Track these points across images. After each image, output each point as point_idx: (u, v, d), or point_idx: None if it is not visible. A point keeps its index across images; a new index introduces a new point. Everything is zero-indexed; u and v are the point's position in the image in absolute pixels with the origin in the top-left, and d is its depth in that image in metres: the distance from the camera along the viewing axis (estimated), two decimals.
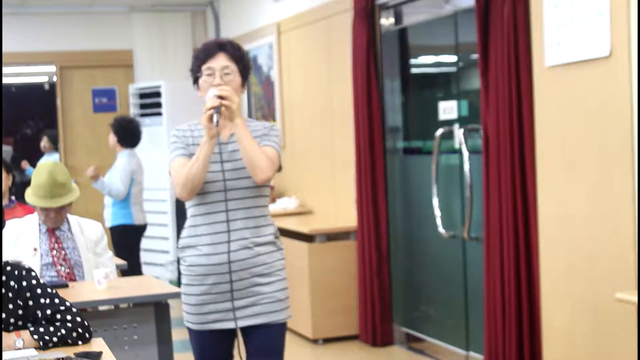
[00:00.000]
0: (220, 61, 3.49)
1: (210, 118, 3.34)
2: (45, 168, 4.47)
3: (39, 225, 4.55)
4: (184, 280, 3.56)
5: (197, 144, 3.47)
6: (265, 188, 3.53)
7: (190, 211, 3.53)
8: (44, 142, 10.08)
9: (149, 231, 7.62)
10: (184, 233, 3.56)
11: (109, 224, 7.25)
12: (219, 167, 3.45)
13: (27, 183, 4.65)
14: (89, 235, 4.64)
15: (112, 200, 7.26)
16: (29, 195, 4.48)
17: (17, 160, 11.10)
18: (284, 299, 3.55)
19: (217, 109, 3.35)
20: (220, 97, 3.37)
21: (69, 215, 4.61)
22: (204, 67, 3.50)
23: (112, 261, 4.79)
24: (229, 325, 3.48)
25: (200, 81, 3.52)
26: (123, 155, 7.30)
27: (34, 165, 10.32)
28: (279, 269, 3.55)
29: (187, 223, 3.55)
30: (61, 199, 4.45)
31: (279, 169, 3.54)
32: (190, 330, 3.58)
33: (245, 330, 3.53)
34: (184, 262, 3.55)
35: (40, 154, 10.18)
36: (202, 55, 3.52)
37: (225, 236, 3.44)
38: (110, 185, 7.11)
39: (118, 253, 6.62)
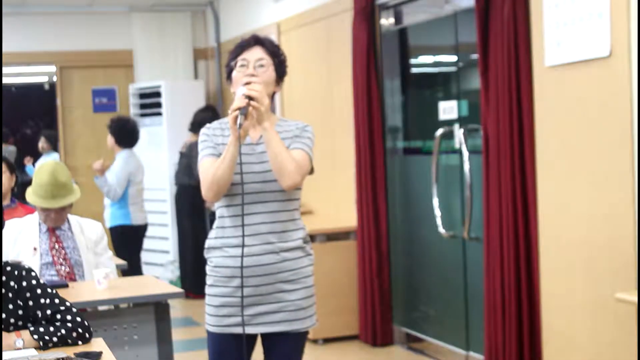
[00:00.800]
0: (256, 53, 3.34)
1: (236, 120, 3.16)
2: (46, 168, 4.47)
3: (39, 224, 4.55)
4: (208, 281, 3.44)
5: (226, 143, 3.29)
6: (296, 191, 3.37)
7: (218, 212, 3.41)
8: (42, 143, 10.08)
9: (149, 231, 7.60)
10: (212, 234, 3.44)
11: (108, 224, 7.26)
12: (240, 169, 3.28)
13: (27, 183, 4.65)
14: (89, 235, 4.63)
15: (110, 201, 7.26)
16: (30, 194, 4.48)
17: (21, 160, 11.12)
18: (307, 307, 3.39)
19: (243, 110, 3.15)
20: (249, 98, 3.19)
21: (69, 215, 4.61)
22: (239, 59, 3.34)
23: (112, 261, 4.79)
24: (250, 330, 3.36)
25: (234, 73, 3.35)
26: (121, 156, 7.30)
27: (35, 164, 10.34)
28: (306, 276, 3.40)
29: (215, 224, 3.43)
30: (62, 199, 4.44)
31: (311, 171, 3.39)
32: (209, 334, 3.46)
33: (266, 336, 3.42)
34: (210, 262, 3.43)
35: (39, 154, 10.19)
36: (238, 48, 3.38)
37: (249, 240, 3.31)
38: (110, 185, 7.11)
39: (118, 253, 6.61)
